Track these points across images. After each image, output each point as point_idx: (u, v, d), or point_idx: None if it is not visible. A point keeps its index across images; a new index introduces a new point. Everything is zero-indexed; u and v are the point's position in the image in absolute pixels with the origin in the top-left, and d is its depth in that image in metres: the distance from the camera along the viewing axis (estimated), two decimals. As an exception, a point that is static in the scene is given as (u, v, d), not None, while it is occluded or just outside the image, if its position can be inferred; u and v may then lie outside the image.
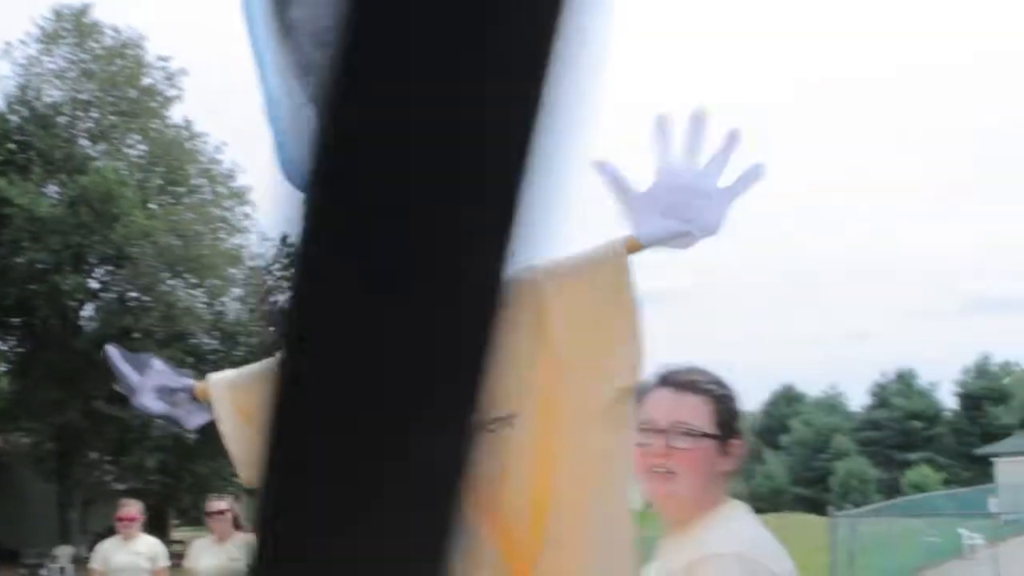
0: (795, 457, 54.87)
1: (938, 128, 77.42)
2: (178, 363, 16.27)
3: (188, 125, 23.15)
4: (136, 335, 20.57)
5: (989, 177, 76.41)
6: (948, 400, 56.27)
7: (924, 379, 56.46)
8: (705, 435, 1.74)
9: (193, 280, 22.25)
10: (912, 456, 51.58)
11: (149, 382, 2.58)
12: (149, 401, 2.58)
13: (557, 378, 2.23)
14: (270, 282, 25.67)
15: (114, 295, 21.87)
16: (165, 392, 2.58)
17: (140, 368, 2.60)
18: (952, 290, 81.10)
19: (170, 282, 22.07)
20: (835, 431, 54.11)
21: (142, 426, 19.84)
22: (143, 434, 20.17)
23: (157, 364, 2.63)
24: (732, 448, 1.78)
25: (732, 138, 2.13)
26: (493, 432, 1.32)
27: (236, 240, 23.99)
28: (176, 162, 22.45)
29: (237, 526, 5.78)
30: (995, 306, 79.46)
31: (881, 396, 56.14)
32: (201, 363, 22.16)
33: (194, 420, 2.61)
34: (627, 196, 2.16)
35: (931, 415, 54.32)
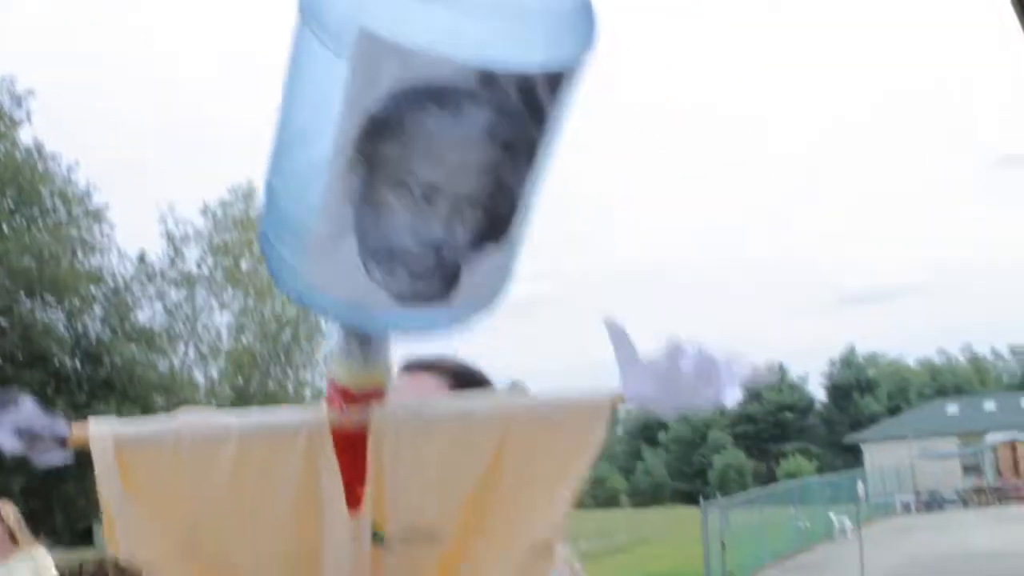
0: (673, 453, 55.78)
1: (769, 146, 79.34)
2: (39, 385, 15.72)
3: (39, 147, 22.60)
4: (-6, 359, 20.04)
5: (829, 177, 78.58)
6: (818, 392, 57.98)
7: (794, 372, 57.92)
8: None
9: (52, 301, 21.72)
10: (786, 447, 52.91)
11: (10, 418, 2.17)
12: (3, 437, 2.18)
13: (492, 520, 1.90)
14: (130, 300, 25.40)
15: (-32, 320, 21.25)
16: (26, 434, 2.18)
17: (2, 403, 2.16)
18: (816, 286, 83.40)
19: (27, 304, 21.49)
20: (711, 426, 55.21)
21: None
22: (0, 460, 19.59)
23: (27, 404, 2.23)
24: None
25: (764, 370, 1.81)
26: (408, 542, 1.44)
27: (95, 260, 23.55)
28: (28, 184, 21.89)
29: (14, 540, 5.17)
30: (857, 300, 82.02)
31: (752, 390, 57.21)
32: (63, 385, 21.69)
33: (51, 460, 2.24)
34: (628, 357, 1.85)
35: (802, 407, 55.86)
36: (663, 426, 56.96)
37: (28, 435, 1.88)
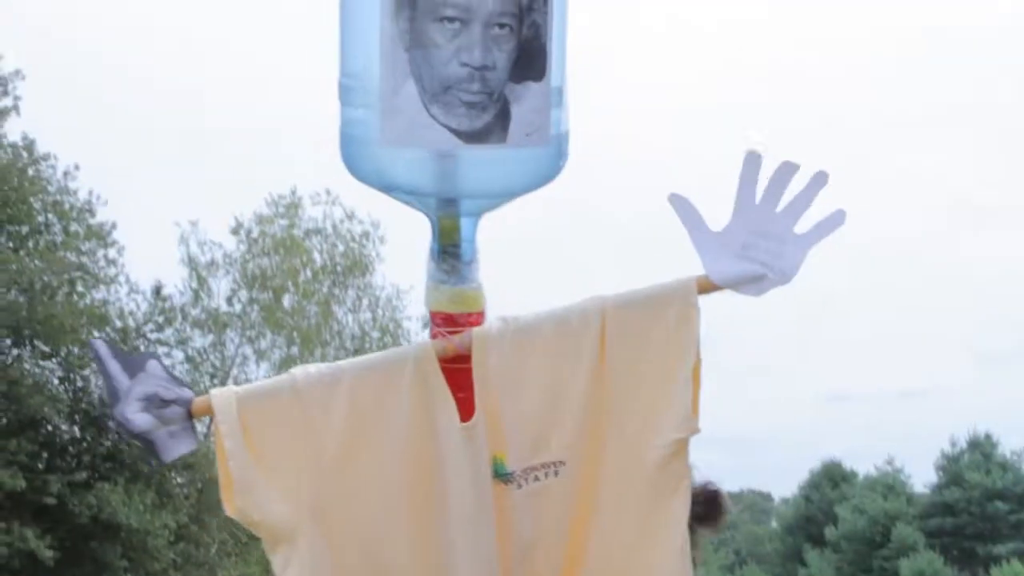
0: (845, 555, 54.81)
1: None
2: (29, 456, 15.83)
3: (28, 144, 22.81)
4: (-30, 425, 20.17)
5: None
6: (1040, 472, 56.60)
7: (1007, 446, 56.67)
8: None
9: (44, 348, 21.86)
10: (998, 548, 51.72)
11: (138, 388, 2.65)
12: (132, 412, 2.64)
13: (609, 424, 2.56)
14: (143, 347, 25.46)
15: (-62, 371, 21.45)
16: (154, 402, 2.65)
17: (132, 369, 2.66)
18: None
19: (14, 351, 21.65)
20: (896, 519, 54.18)
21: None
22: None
23: (153, 367, 2.69)
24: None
25: (817, 181, 2.52)
26: (538, 480, 2.54)
27: (98, 294, 23.69)
28: (15, 193, 22.04)
29: None
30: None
31: (951, 471, 56.30)
32: (59, 456, 21.77)
33: (174, 449, 2.71)
34: (701, 233, 2.56)
35: (1019, 494, 54.53)
36: (831, 518, 56.02)
37: (157, 406, 2.62)
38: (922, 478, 60.15)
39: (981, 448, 56.30)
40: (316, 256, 29.72)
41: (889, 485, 57.43)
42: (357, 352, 29.67)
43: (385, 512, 2.53)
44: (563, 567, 2.57)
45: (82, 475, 21.11)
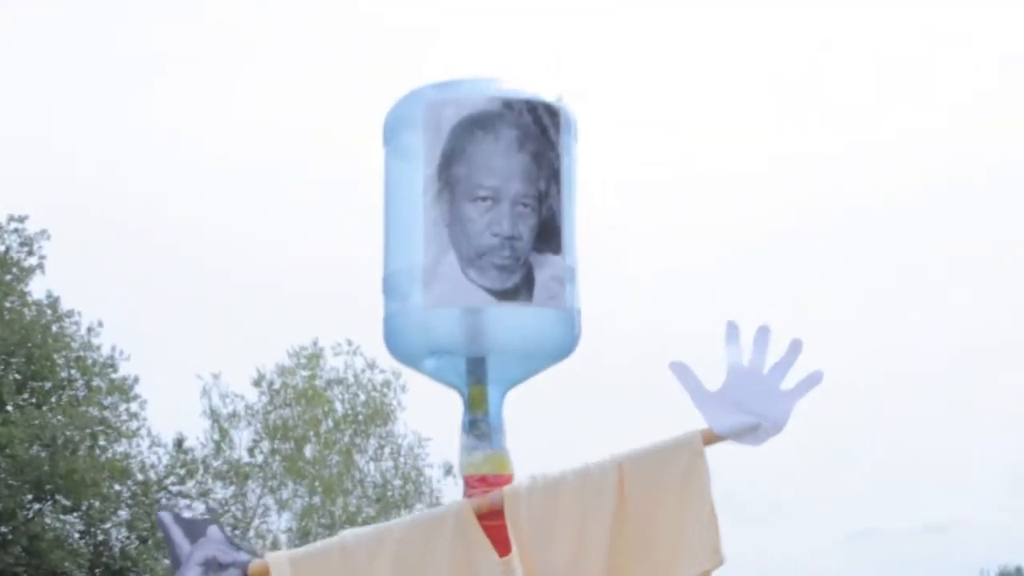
0: None
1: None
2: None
3: (53, 302, 23.12)
4: (-9, 579, 20.14)
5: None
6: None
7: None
8: None
9: (65, 502, 21.91)
10: None
11: (198, 553, 2.87)
12: (191, 574, 2.85)
13: (635, 563, 2.83)
14: (165, 500, 25.40)
15: (-39, 526, 21.49)
16: (212, 566, 2.85)
17: (194, 535, 2.89)
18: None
19: (35, 506, 21.72)
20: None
21: None
22: None
23: (213, 532, 2.90)
24: None
25: (795, 346, 2.91)
26: None
27: (120, 448, 23.76)
28: (39, 350, 22.30)
29: None
30: None
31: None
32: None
33: None
34: (702, 394, 2.91)
35: (1053, 633, 53.49)
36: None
37: (215, 570, 2.84)
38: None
39: (1013, 584, 55.40)
40: (338, 405, 29.74)
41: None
42: (379, 500, 29.60)
43: None
44: None
45: (104, 632, 21.02)
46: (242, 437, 28.67)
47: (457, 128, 2.88)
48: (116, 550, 22.52)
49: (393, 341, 3.02)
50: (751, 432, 2.91)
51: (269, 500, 28.85)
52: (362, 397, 29.99)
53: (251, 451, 28.70)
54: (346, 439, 29.76)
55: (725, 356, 2.95)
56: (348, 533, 2.91)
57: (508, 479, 2.94)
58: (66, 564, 20.93)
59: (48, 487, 21.33)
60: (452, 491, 30.25)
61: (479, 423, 2.96)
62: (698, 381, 2.94)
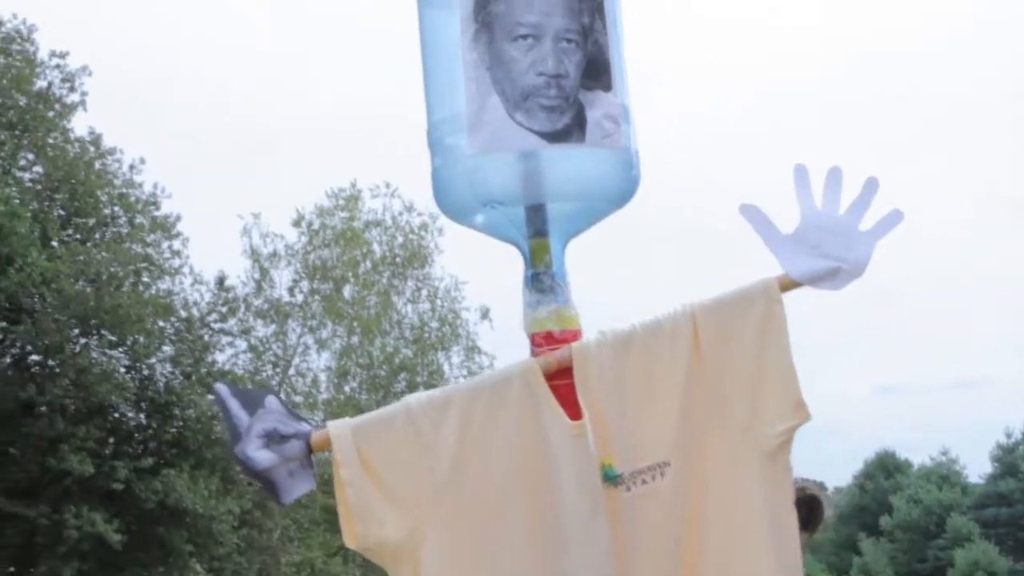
0: (900, 544, 54.43)
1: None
2: (97, 442, 15.96)
3: (95, 139, 23.04)
4: (41, 409, 20.36)
5: None
6: (1096, 462, 55.88)
7: (1064, 432, 56.05)
8: None
9: (111, 338, 22.06)
10: (1053, 537, 51.23)
11: (258, 425, 2.71)
12: (253, 450, 2.69)
13: (714, 421, 2.68)
14: (207, 337, 25.67)
15: (10, 359, 21.67)
16: (275, 438, 2.71)
17: (251, 407, 2.72)
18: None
19: (82, 340, 21.87)
20: (951, 509, 53.76)
21: (53, 527, 19.61)
22: (55, 538, 19.91)
23: (271, 403, 2.75)
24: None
25: (870, 185, 2.75)
26: (645, 483, 2.65)
27: (163, 285, 23.88)
28: (82, 187, 22.27)
29: None
30: None
31: (1006, 462, 55.82)
32: (125, 444, 21.98)
33: (294, 488, 2.74)
34: (775, 237, 2.75)
35: (1075, 483, 54.01)
36: (886, 508, 55.64)
37: (277, 442, 2.67)
38: (977, 469, 59.73)
39: (1037, 439, 55.77)
40: (376, 247, 29.85)
41: (944, 475, 56.99)
42: (416, 341, 29.83)
43: (500, 520, 2.62)
44: (677, 570, 2.66)
45: (148, 461, 21.26)
46: (282, 276, 28.88)
47: None
48: (160, 385, 22.72)
49: (442, 195, 2.82)
50: (831, 276, 2.73)
51: (309, 339, 29.12)
52: (399, 239, 30.07)
53: (291, 291, 28.91)
54: (384, 281, 29.90)
55: (797, 200, 2.77)
56: (412, 398, 2.72)
57: (576, 335, 2.74)
58: (112, 397, 21.13)
59: (93, 322, 21.46)
60: (488, 335, 30.52)
61: (542, 277, 2.75)
62: (772, 224, 2.76)
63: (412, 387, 29.46)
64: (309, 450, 2.73)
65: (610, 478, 2.62)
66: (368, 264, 29.64)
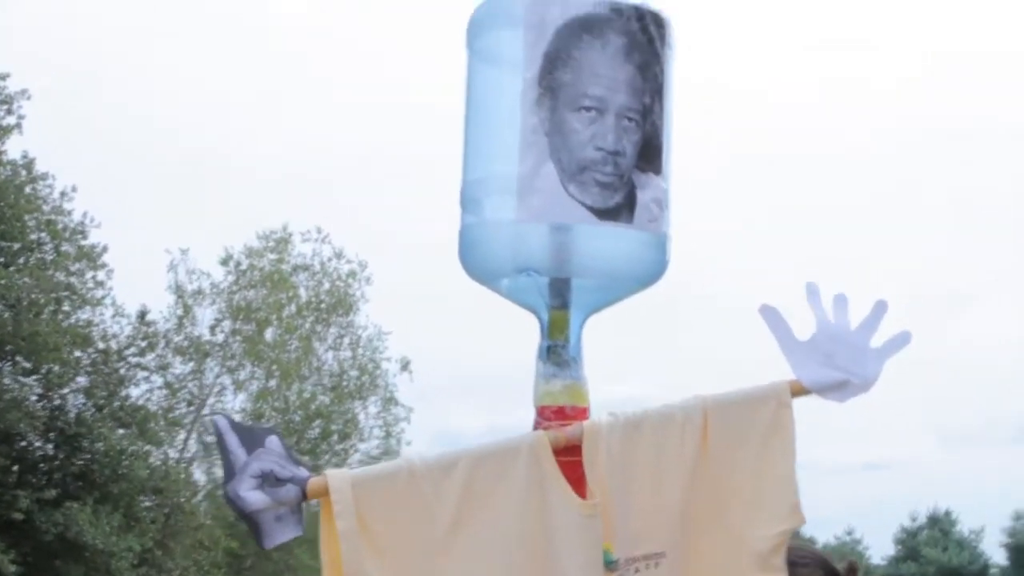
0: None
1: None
2: (1, 470, 15.61)
3: (28, 163, 22.82)
4: (-54, 434, 20.03)
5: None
6: (996, 553, 56.58)
7: (965, 525, 56.65)
8: None
9: (25, 364, 21.79)
10: (949, 627, 51.64)
11: (255, 464, 2.59)
12: (246, 490, 2.58)
13: (711, 517, 2.67)
14: (123, 370, 25.42)
15: (-82, 382, 21.33)
16: (270, 480, 2.59)
17: (251, 445, 2.61)
18: (1002, 410, 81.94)
19: (-5, 365, 21.57)
20: (849, 590, 53.95)
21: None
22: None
23: (272, 443, 2.63)
24: None
25: (880, 306, 2.78)
26: (638, 572, 2.57)
27: (84, 315, 23.64)
28: (10, 210, 22.01)
29: None
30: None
31: (909, 545, 56.24)
32: (31, 472, 21.67)
33: (279, 534, 2.62)
34: (790, 342, 2.75)
35: (974, 573, 54.53)
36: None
37: (272, 484, 2.54)
38: (880, 551, 60.10)
39: (940, 525, 56.21)
40: (302, 292, 29.74)
41: (844, 555, 57.02)
42: (334, 389, 29.68)
43: None
44: None
45: (52, 493, 20.95)
46: (205, 315, 28.61)
47: (563, 30, 2.65)
48: (72, 415, 22.46)
49: (473, 254, 2.75)
50: (839, 388, 2.75)
51: (226, 379, 28.84)
52: (326, 285, 29.99)
53: (212, 329, 28.63)
54: (307, 326, 29.78)
55: (812, 310, 2.79)
56: (415, 456, 2.65)
57: (585, 412, 2.70)
58: (21, 425, 20.82)
59: (9, 347, 21.21)
60: (407, 387, 30.45)
61: (559, 350, 2.71)
62: (789, 328, 2.77)
63: (326, 435, 29.33)
64: (303, 497, 2.62)
65: (607, 563, 2.58)
66: (293, 308, 29.50)
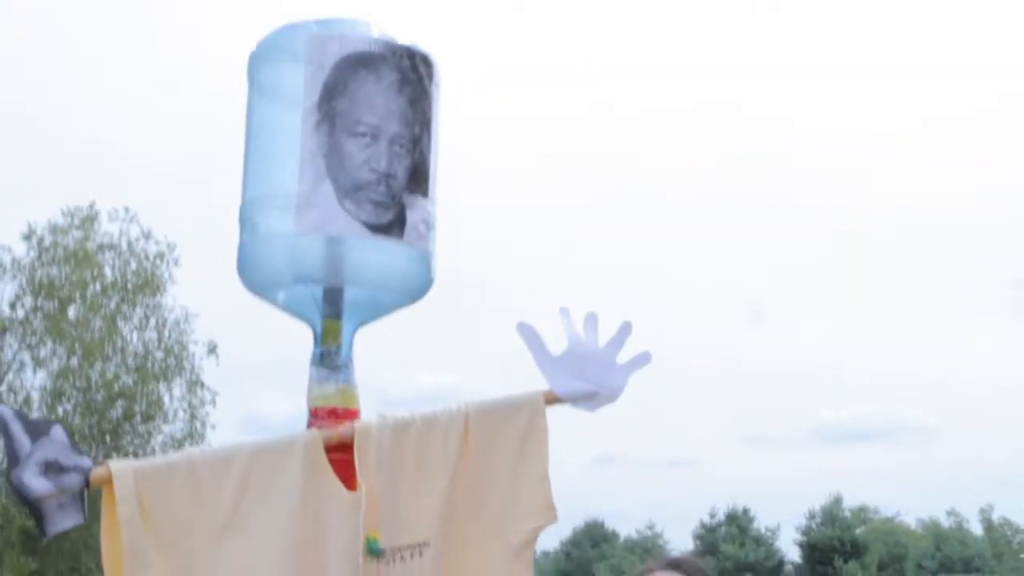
0: (601, 616, 55.23)
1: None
2: None
3: None
4: None
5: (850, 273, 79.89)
6: (790, 550, 57.92)
7: (761, 522, 57.90)
8: None
9: None
10: (743, 619, 52.68)
11: (39, 452, 2.72)
12: (29, 477, 2.70)
13: (472, 511, 2.94)
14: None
15: None
16: (54, 469, 2.72)
17: (35, 434, 2.73)
18: (799, 414, 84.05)
19: None
20: (649, 585, 54.59)
21: None
22: None
23: (57, 433, 2.76)
24: None
25: (625, 327, 3.12)
26: (403, 560, 2.85)
27: None
28: None
29: None
30: (849, 437, 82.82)
31: (708, 540, 57.27)
32: None
33: (61, 521, 2.75)
34: (545, 357, 3.06)
35: (769, 568, 55.69)
36: (587, 575, 56.38)
37: (55, 473, 2.68)
38: (680, 545, 61.11)
39: (738, 522, 57.36)
40: (108, 271, 29.16)
41: (647, 548, 58.08)
42: (139, 370, 29.15)
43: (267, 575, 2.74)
44: None
45: None
46: (5, 289, 27.86)
47: (341, 63, 2.90)
48: None
49: (251, 267, 2.97)
50: (589, 399, 3.06)
51: (26, 356, 28.13)
52: (133, 265, 29.41)
53: (12, 305, 27.90)
54: (112, 305, 29.17)
55: (565, 330, 3.09)
56: (196, 451, 2.93)
57: (356, 413, 2.95)
58: None
59: None
60: (213, 370, 30.10)
61: (331, 355, 2.95)
62: (543, 345, 3.07)
63: (129, 415, 28.79)
64: (86, 485, 2.73)
65: (373, 551, 2.78)
66: (98, 287, 28.90)
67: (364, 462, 2.83)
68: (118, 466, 2.76)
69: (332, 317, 2.95)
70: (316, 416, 2.92)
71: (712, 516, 58.62)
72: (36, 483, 2.69)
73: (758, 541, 56.41)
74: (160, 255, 29.44)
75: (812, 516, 56.90)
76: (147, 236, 29.30)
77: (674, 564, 3.48)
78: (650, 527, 61.26)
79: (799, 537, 56.78)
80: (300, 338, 3.01)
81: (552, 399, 3.04)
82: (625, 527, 72.96)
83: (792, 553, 57.52)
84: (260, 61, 3.03)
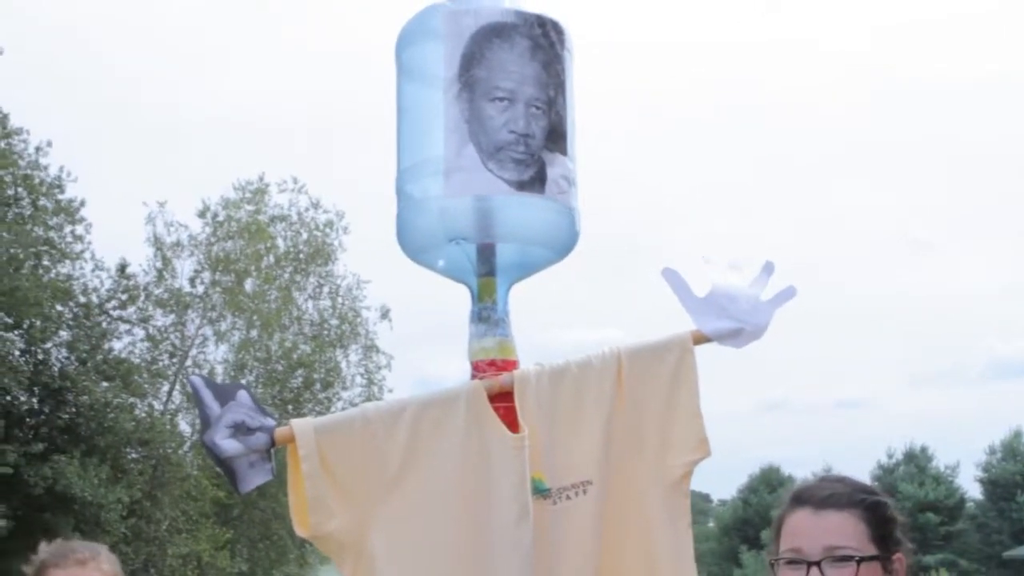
0: (779, 558, 54.76)
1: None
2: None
3: (2, 118, 22.63)
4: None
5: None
6: (972, 488, 56.92)
7: (940, 461, 57.00)
8: (863, 558, 2.43)
9: (7, 320, 21.67)
10: (927, 559, 51.95)
11: (228, 416, 2.94)
12: (221, 439, 2.92)
13: (630, 449, 3.07)
14: (105, 324, 25.27)
15: (-100, 338, 21.18)
16: (242, 430, 2.94)
17: (223, 398, 2.97)
18: (973, 350, 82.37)
19: (-24, 321, 21.43)
20: (829, 526, 54.10)
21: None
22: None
23: (243, 396, 2.98)
24: (895, 564, 2.48)
25: (768, 266, 3.24)
26: (569, 499, 3.14)
27: (64, 269, 23.50)
28: (-14, 166, 21.86)
29: None
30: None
31: (886, 481, 56.53)
32: (17, 426, 21.57)
33: (252, 479, 2.96)
34: (691, 298, 3.19)
35: (950, 507, 54.86)
36: (767, 521, 56.03)
37: (244, 433, 2.91)
38: (858, 487, 60.46)
39: (916, 461, 56.60)
40: (280, 242, 29.68)
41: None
42: (315, 338, 29.67)
43: (439, 520, 2.96)
44: None
45: (39, 447, 20.93)
46: (184, 266, 28.60)
47: (476, 35, 3.09)
48: (55, 370, 22.41)
49: (408, 233, 3.17)
50: (735, 335, 3.16)
51: (208, 331, 28.88)
52: (304, 235, 29.93)
53: (192, 281, 28.65)
54: (286, 276, 29.75)
55: (709, 275, 3.22)
56: (369, 406, 3.03)
57: (514, 364, 3.09)
58: (5, 380, 20.74)
59: (-10, 303, 21.01)
60: (387, 335, 30.46)
61: (488, 311, 3.12)
62: (688, 287, 3.19)
63: (309, 383, 29.32)
64: (272, 444, 2.96)
65: (540, 491, 2.98)
66: (271, 258, 29.46)
67: (525, 407, 3.00)
68: (300, 424, 2.96)
69: (486, 275, 3.14)
70: (477, 369, 3.10)
71: (890, 456, 57.89)
72: (227, 444, 2.92)
73: (937, 480, 55.53)
74: (329, 223, 29.87)
75: (992, 451, 55.75)
76: (316, 205, 29.72)
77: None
78: (827, 470, 60.46)
79: (980, 474, 55.74)
80: (466, 299, 3.20)
81: (700, 338, 3.16)
82: (801, 471, 72.39)
83: (973, 490, 56.48)
84: (404, 43, 3.25)
